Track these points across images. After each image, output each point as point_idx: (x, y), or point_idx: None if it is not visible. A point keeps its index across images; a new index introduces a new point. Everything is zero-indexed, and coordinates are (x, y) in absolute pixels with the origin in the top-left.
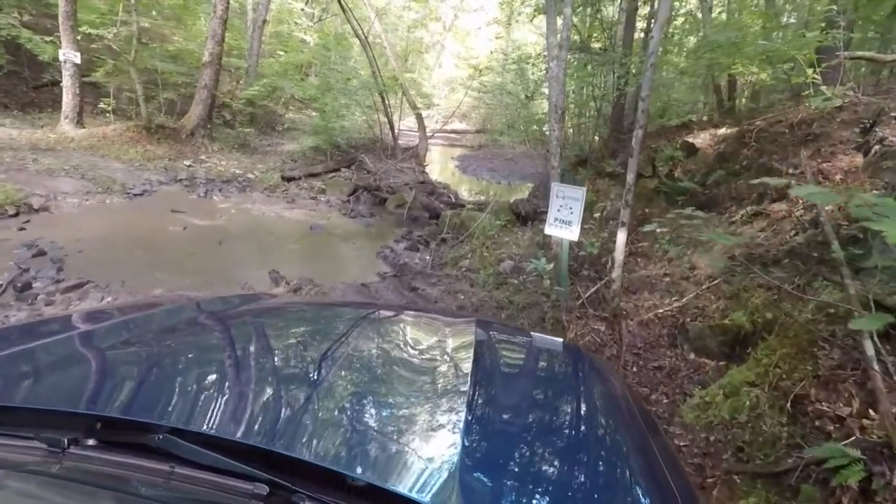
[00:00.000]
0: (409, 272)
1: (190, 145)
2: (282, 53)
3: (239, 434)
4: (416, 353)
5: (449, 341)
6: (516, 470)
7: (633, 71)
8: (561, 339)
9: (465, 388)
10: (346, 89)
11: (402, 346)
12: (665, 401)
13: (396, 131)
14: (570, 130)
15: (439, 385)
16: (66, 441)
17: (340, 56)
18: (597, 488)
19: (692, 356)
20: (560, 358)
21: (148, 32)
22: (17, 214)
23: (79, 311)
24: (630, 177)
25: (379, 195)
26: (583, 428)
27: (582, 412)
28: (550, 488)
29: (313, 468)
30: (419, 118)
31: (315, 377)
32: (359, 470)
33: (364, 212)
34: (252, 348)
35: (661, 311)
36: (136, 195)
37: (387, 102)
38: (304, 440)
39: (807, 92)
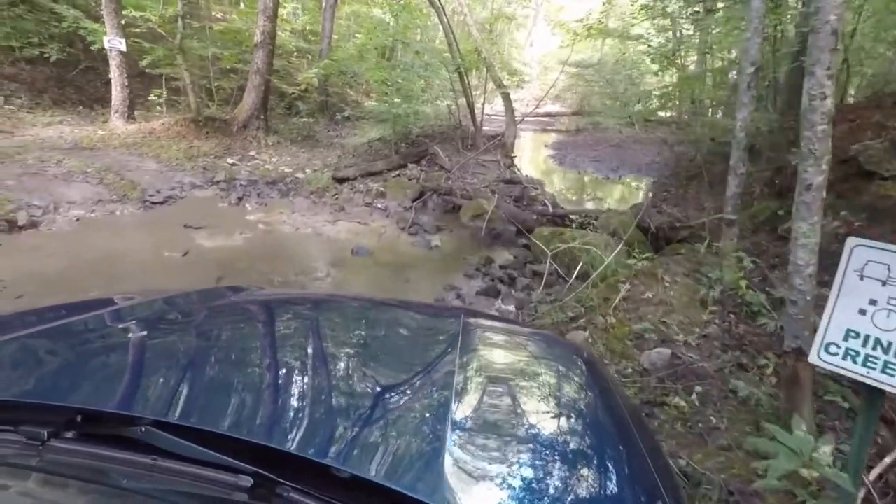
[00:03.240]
0: None
1: (241, 139)
2: (359, 36)
3: (222, 426)
4: (403, 345)
5: (436, 334)
6: (502, 461)
7: None
8: (550, 332)
9: (451, 380)
10: (416, 66)
11: (388, 338)
12: None
13: (479, 116)
14: (710, 108)
15: (426, 377)
16: (45, 434)
17: (414, 26)
18: (581, 481)
19: None
20: (548, 351)
21: (198, 14)
22: None
23: (58, 304)
24: None
25: (451, 200)
26: (569, 421)
27: (568, 405)
28: (535, 480)
29: (298, 460)
30: (506, 98)
31: (299, 369)
32: (343, 461)
33: (429, 225)
34: (236, 340)
35: None
36: (154, 203)
37: (466, 81)
38: (288, 432)
39: None
